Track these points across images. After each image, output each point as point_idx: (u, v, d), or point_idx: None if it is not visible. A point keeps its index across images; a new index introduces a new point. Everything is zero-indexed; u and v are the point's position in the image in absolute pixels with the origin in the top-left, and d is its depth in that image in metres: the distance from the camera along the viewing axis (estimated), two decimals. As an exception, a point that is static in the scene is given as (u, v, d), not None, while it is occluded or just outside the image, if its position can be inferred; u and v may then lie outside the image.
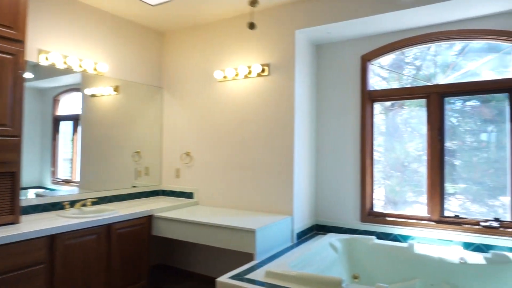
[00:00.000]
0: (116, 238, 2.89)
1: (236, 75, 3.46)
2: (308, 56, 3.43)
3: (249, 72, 3.38)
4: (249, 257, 2.74)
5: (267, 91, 3.32)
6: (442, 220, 2.96)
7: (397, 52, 3.23)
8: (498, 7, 2.65)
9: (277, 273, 2.23)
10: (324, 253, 2.94)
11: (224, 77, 3.55)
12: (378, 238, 3.15)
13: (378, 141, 3.36)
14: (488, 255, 2.61)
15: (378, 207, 3.33)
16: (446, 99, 3.01)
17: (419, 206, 3.13)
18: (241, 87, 3.47)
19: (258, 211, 3.34)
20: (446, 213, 2.99)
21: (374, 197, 3.33)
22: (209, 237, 2.89)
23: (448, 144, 3.00)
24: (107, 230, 2.82)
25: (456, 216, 2.93)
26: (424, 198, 3.09)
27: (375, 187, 3.33)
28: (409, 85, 3.18)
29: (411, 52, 3.21)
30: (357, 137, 3.33)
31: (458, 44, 3.00)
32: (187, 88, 3.86)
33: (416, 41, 3.08)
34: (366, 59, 3.30)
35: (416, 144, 3.16)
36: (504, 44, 2.82)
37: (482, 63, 2.90)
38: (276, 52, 3.28)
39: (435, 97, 3.02)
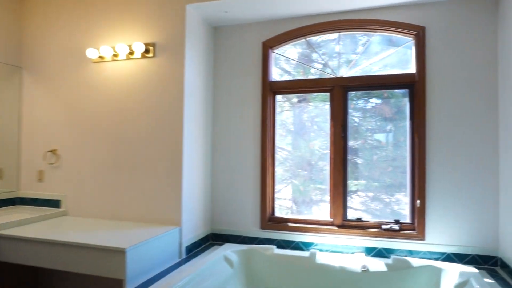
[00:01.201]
0: None
1: (116, 55, 2.81)
2: (203, 38, 2.94)
3: (131, 53, 2.76)
4: (119, 284, 2.15)
5: (152, 76, 2.73)
6: (345, 225, 2.74)
7: (303, 43, 2.94)
8: (400, -4, 2.50)
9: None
10: (218, 269, 2.49)
11: (100, 57, 2.86)
12: (279, 246, 2.82)
13: (287, 139, 3.03)
14: (389, 260, 2.43)
15: (284, 210, 2.99)
16: (350, 96, 2.80)
17: (325, 206, 2.87)
18: (121, 70, 2.82)
19: (141, 221, 2.74)
20: (349, 216, 2.77)
21: (276, 200, 2.98)
22: (69, 260, 2.21)
23: (351, 143, 2.79)
24: None
25: (359, 220, 2.73)
26: (328, 199, 2.84)
27: (281, 188, 3.00)
28: (312, 77, 2.91)
29: (316, 44, 2.94)
30: (258, 133, 2.95)
31: (362, 36, 2.81)
32: (54, 69, 3.06)
33: (320, 28, 2.81)
34: (268, 46, 2.94)
35: (321, 142, 2.90)
36: (405, 38, 2.70)
37: (384, 57, 2.75)
38: (163, 29, 2.72)
39: (339, 90, 2.78)
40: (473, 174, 2.47)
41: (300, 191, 2.97)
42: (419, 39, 2.59)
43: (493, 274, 2.26)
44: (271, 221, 2.91)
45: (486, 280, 2.11)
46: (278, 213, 2.97)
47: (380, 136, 2.79)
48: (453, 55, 2.54)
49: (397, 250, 2.57)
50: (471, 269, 2.24)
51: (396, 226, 2.60)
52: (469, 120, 2.49)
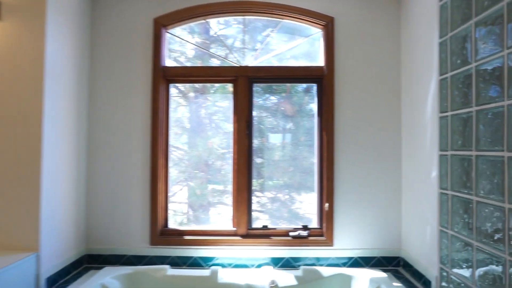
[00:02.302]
0: None
1: None
2: (76, 6, 2.29)
3: (-38, 13, 1.96)
4: None
5: (-5, 48, 1.98)
6: (250, 234, 2.42)
7: (203, 28, 2.52)
8: (311, -20, 2.28)
9: None
10: (92, 304, 1.91)
11: None
12: (174, 265, 2.35)
13: (183, 138, 2.57)
14: (299, 272, 2.19)
15: (180, 216, 2.53)
16: (254, 89, 2.50)
17: (226, 211, 2.51)
18: None
19: (-23, 249, 1.97)
20: (254, 224, 2.47)
21: (170, 205, 2.51)
22: None
23: (255, 141, 2.49)
24: None
25: (265, 227, 2.45)
26: (229, 205, 2.48)
27: (176, 191, 2.52)
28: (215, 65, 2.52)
29: (219, 28, 2.55)
30: (148, 129, 2.43)
31: (270, 23, 2.52)
32: None
33: (222, 9, 2.43)
34: (160, 24, 2.43)
35: (220, 140, 2.53)
36: (314, 28, 2.51)
37: (293, 47, 2.52)
38: (13, -15, 1.99)
39: (244, 81, 2.45)
40: (378, 174, 2.41)
41: (196, 195, 2.55)
42: (328, 30, 2.42)
43: (397, 276, 2.20)
44: (163, 234, 2.42)
45: (394, 284, 2.02)
46: (172, 223, 2.50)
47: (279, 136, 2.55)
48: (360, 50, 2.43)
49: (306, 258, 2.36)
50: (380, 274, 2.14)
51: (304, 233, 2.39)
52: (375, 119, 2.42)
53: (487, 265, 1.52)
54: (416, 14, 2.23)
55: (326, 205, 2.38)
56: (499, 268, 1.43)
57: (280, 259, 2.36)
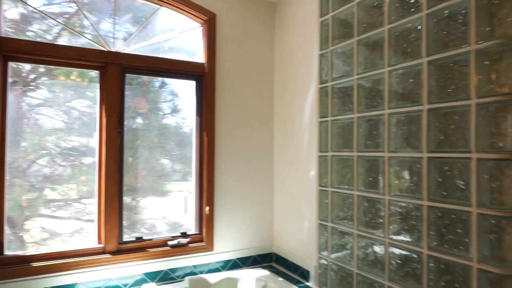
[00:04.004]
0: None
1: None
2: None
3: None
4: None
5: None
6: (122, 249, 2.06)
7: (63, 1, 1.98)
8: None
9: None
10: None
11: None
12: (14, 304, 1.76)
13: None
14: (185, 284, 2.00)
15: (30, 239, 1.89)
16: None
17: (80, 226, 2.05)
18: None
19: None
20: (126, 237, 2.12)
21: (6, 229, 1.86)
22: None
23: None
24: None
25: (139, 239, 2.13)
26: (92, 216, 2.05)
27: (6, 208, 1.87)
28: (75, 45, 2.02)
29: (83, 2, 2.06)
30: (-28, 121, 1.73)
31: (147, 7, 2.22)
32: None
33: (90, -21, 1.99)
34: (-5, -21, 1.78)
35: (57, 137, 2.04)
36: (194, 22, 2.36)
37: (171, 38, 2.30)
38: None
39: (115, 70, 2.07)
40: (254, 176, 2.47)
41: (21, 207, 1.95)
42: (210, 26, 2.33)
43: (273, 271, 2.32)
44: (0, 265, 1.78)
45: (279, 279, 2.12)
46: (8, 249, 1.86)
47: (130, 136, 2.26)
48: (240, 50, 2.44)
49: (185, 267, 2.19)
50: (264, 272, 2.20)
51: (184, 240, 2.21)
52: (251, 121, 2.48)
53: (366, 249, 1.78)
54: (289, 23, 2.41)
55: (207, 208, 2.27)
56: (379, 250, 1.69)
57: (157, 273, 2.11)
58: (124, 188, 2.11)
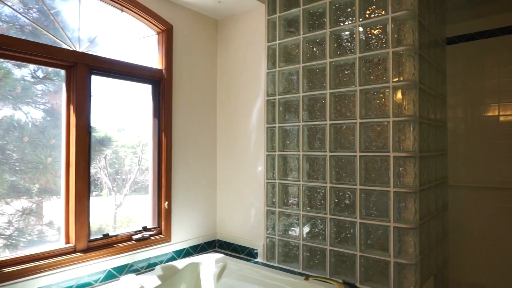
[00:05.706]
0: None
1: None
2: None
3: None
4: None
5: None
6: (91, 247, 2.09)
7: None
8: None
9: None
10: None
11: None
12: (-13, 313, 1.65)
13: None
14: (158, 271, 2.18)
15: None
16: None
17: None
18: None
19: None
20: (93, 235, 2.15)
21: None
22: None
23: None
24: None
25: (106, 236, 2.19)
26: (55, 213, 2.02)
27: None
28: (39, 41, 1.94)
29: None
30: None
31: (110, 11, 2.26)
32: None
33: (60, -24, 1.97)
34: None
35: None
36: (151, 30, 2.51)
37: (131, 43, 2.39)
38: None
39: (83, 70, 2.08)
40: (200, 173, 2.78)
41: None
42: (168, 36, 2.52)
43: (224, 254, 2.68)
44: (-39, 275, 1.62)
45: (234, 258, 2.50)
46: (-35, 259, 1.70)
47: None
48: (189, 59, 2.70)
49: (149, 258, 2.35)
50: (219, 255, 2.53)
51: (147, 234, 2.36)
52: (199, 124, 2.77)
53: (311, 226, 2.36)
54: (233, 40, 2.81)
55: (166, 203, 2.47)
56: (321, 226, 2.29)
57: (124, 266, 2.21)
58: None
